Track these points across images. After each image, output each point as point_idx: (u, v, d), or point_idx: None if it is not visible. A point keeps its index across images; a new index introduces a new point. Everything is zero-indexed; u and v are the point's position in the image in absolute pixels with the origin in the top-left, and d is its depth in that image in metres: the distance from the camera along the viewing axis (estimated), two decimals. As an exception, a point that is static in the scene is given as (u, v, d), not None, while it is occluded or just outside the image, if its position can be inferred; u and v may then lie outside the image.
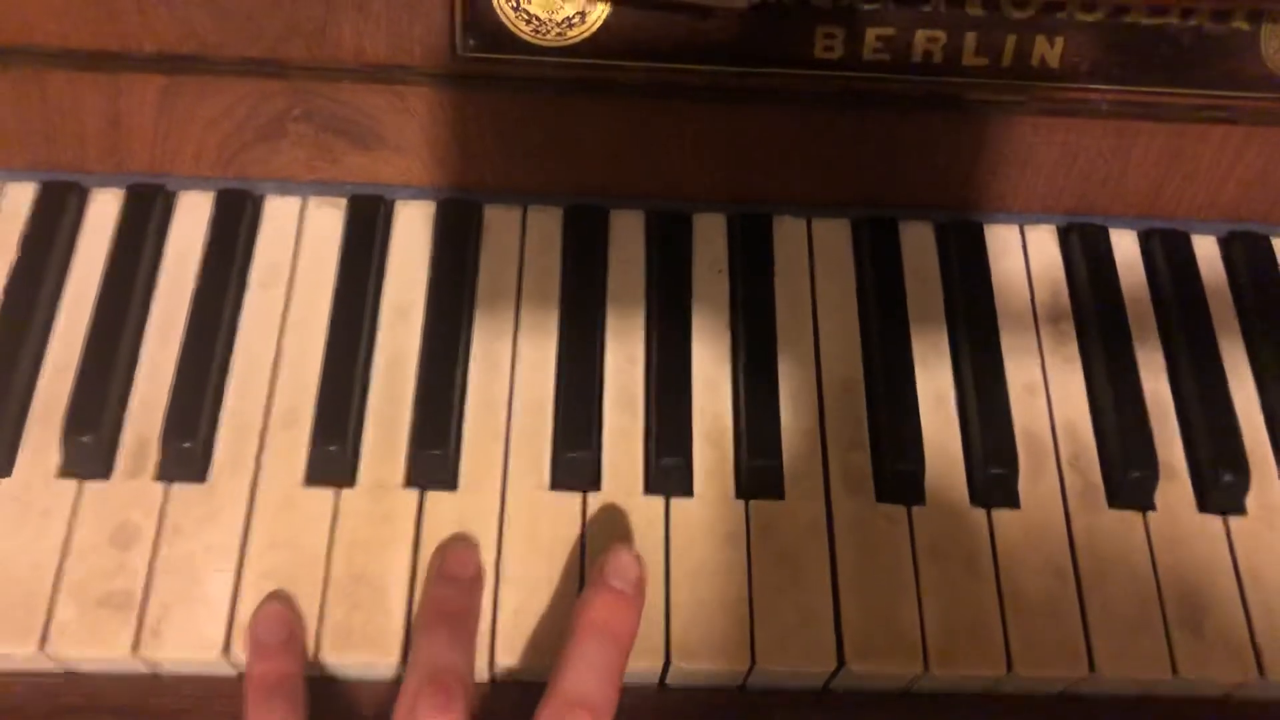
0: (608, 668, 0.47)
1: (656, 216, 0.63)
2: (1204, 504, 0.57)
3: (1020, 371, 0.59)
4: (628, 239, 0.62)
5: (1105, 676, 0.52)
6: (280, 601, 0.51)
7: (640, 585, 0.50)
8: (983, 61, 0.57)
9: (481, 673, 0.52)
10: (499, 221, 0.62)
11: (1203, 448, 0.57)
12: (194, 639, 0.51)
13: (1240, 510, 0.56)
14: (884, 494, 0.56)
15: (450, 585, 0.51)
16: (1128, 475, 0.56)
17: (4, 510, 0.53)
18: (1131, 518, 0.56)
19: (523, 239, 0.62)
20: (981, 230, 0.63)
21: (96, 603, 0.51)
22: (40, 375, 0.56)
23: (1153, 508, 0.56)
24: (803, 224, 0.63)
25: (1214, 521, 0.56)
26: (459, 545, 0.53)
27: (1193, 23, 0.56)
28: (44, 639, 0.50)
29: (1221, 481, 0.56)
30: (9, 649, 0.50)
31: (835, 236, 0.63)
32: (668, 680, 0.53)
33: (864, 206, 0.63)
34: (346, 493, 0.54)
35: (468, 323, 0.59)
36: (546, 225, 0.62)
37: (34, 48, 0.56)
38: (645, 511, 0.54)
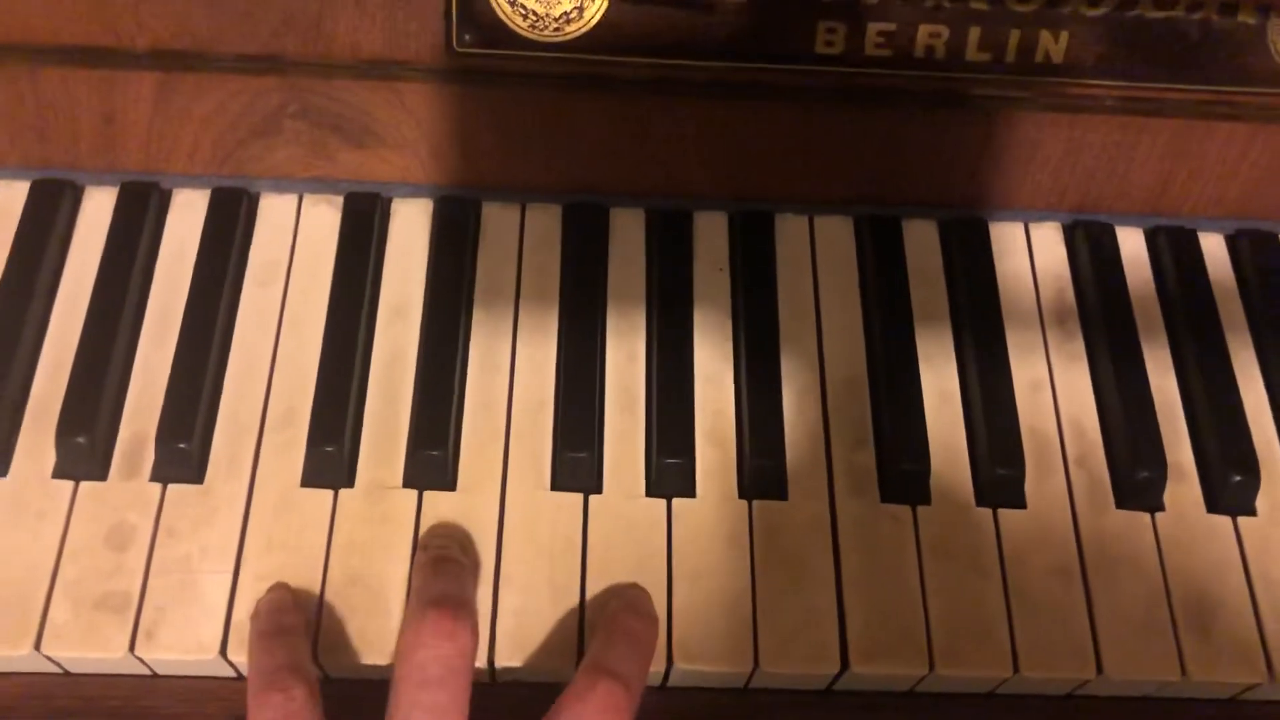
0: (636, 658, 0.48)
1: (657, 214, 0.62)
2: (1213, 505, 0.56)
3: (1026, 370, 0.59)
4: (628, 237, 0.62)
5: (1113, 678, 0.51)
6: (283, 590, 0.51)
7: (654, 614, 0.51)
8: (986, 57, 0.56)
9: (482, 674, 0.51)
10: (497, 219, 0.62)
11: (1211, 448, 0.57)
12: (190, 640, 0.50)
13: (1250, 511, 0.56)
14: (889, 494, 0.55)
15: (439, 540, 0.51)
16: (1136, 475, 0.55)
17: (0, 511, 0.52)
18: (1139, 518, 0.55)
19: (521, 237, 0.62)
20: (986, 227, 0.63)
21: (92, 604, 0.50)
22: (35, 375, 0.56)
23: (1161, 508, 0.56)
24: (805, 221, 0.63)
25: (1223, 522, 0.55)
26: (439, 525, 0.53)
27: (1199, 16, 0.55)
28: (39, 640, 0.50)
29: (1231, 482, 0.55)
30: (4, 650, 0.49)
31: (838, 234, 0.63)
32: (670, 681, 0.52)
33: (867, 204, 0.63)
34: (344, 494, 0.54)
35: (466, 321, 0.58)
36: (545, 223, 0.62)
37: (27, 44, 0.56)
38: (647, 512, 0.54)
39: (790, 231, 0.62)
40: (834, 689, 0.53)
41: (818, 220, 0.63)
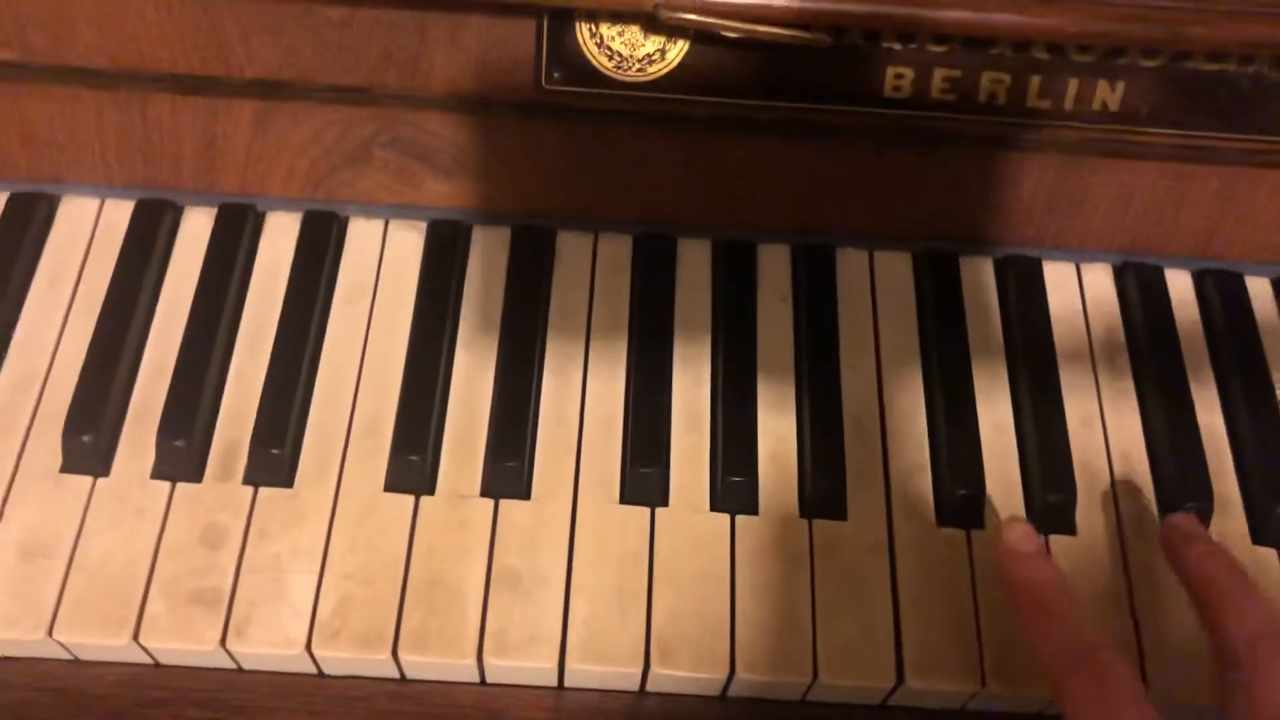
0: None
1: (723, 246, 0.65)
2: (1258, 536, 0.58)
3: (1077, 405, 0.61)
4: (695, 266, 0.65)
5: (1160, 701, 0.53)
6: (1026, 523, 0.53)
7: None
8: (1045, 103, 0.59)
9: (551, 676, 0.53)
10: (571, 247, 0.65)
11: (1257, 481, 0.58)
12: (278, 636, 0.53)
13: (1295, 544, 0.58)
14: (944, 518, 0.57)
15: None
16: (1183, 506, 0.57)
17: (103, 508, 0.55)
18: (1186, 548, 0.57)
19: (594, 264, 0.64)
20: (1039, 266, 0.65)
21: (187, 599, 0.53)
22: (137, 381, 0.59)
23: (1208, 539, 0.57)
24: (865, 256, 0.65)
25: (1268, 554, 0.57)
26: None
27: (1251, 69, 0.57)
28: (137, 630, 0.52)
29: (1275, 514, 0.57)
30: (105, 639, 0.52)
31: (897, 268, 0.65)
32: (730, 691, 0.54)
33: (925, 240, 0.65)
34: (425, 501, 0.56)
35: (541, 342, 0.61)
36: (617, 252, 0.65)
37: (142, 71, 0.59)
38: (711, 527, 0.56)
39: (851, 265, 0.65)
40: (888, 704, 0.55)
41: (878, 255, 0.65)
